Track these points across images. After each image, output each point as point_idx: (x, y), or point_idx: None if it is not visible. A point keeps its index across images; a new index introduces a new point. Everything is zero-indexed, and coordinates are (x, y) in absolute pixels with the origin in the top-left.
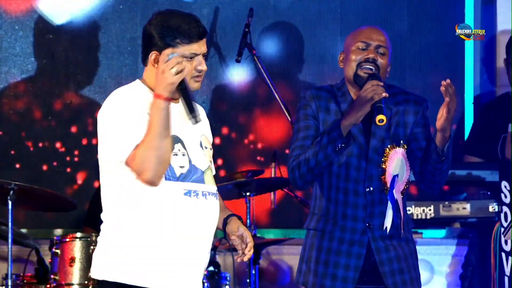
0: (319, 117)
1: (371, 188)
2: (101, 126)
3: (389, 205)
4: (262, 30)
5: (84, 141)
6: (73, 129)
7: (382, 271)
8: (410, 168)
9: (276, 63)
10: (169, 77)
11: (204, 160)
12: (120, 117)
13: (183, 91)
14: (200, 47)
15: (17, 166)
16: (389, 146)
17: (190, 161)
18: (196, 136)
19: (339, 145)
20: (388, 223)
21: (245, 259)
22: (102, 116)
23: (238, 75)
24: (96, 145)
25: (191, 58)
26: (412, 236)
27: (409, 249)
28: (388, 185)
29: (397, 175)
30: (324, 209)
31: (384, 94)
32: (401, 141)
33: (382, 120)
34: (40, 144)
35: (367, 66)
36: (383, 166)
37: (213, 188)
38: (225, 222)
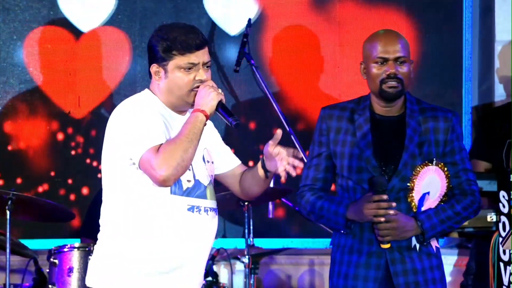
0: (330, 137)
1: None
2: (115, 127)
3: None
4: (260, 40)
5: (83, 151)
6: (72, 139)
7: (396, 283)
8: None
9: (274, 73)
10: (214, 98)
11: (206, 175)
12: (139, 118)
13: (219, 103)
14: (198, 57)
15: (16, 176)
16: (421, 164)
17: (194, 176)
18: (199, 150)
19: (341, 230)
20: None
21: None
22: (118, 118)
23: (236, 85)
24: (95, 155)
25: (189, 68)
26: (433, 249)
27: (430, 263)
28: (416, 202)
29: (428, 193)
30: None
31: (382, 219)
32: (434, 159)
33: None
34: (39, 154)
35: (391, 83)
36: (411, 184)
37: (214, 203)
38: (259, 165)
